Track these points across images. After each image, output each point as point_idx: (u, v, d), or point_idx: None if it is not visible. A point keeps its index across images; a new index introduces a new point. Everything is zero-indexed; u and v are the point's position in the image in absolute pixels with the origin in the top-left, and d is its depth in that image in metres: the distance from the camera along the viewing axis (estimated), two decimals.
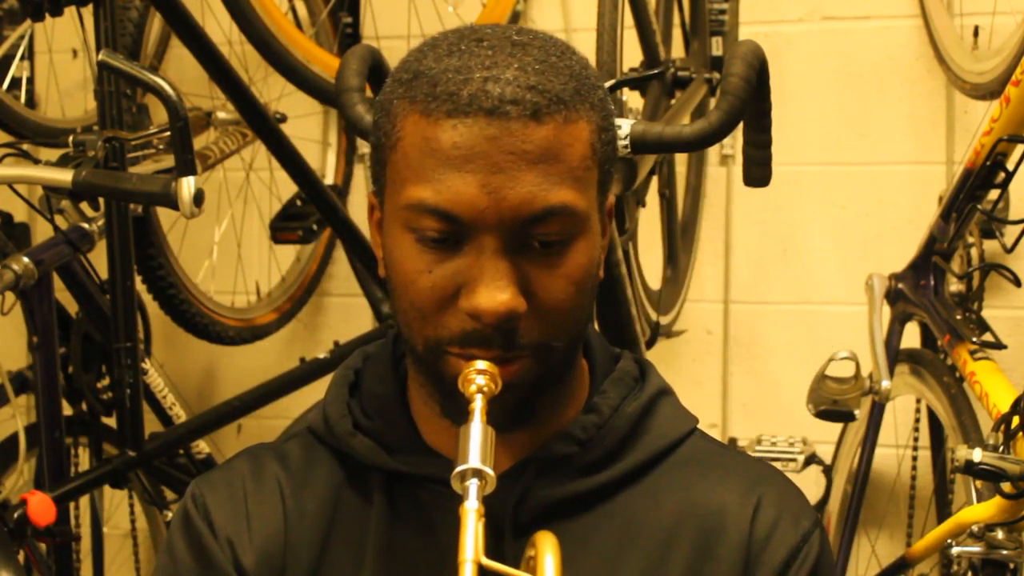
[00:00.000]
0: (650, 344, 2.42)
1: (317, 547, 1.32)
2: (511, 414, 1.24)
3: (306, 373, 2.84)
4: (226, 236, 3.13)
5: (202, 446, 2.71)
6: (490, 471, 1.14)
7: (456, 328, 1.23)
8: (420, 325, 1.24)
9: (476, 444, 1.16)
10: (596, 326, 1.91)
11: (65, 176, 2.07)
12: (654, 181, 2.42)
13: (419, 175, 1.21)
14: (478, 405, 1.20)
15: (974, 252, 2.53)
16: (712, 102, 2.58)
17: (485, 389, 1.21)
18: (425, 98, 1.22)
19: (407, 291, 1.24)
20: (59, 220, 2.31)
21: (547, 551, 1.15)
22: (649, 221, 2.58)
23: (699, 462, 1.34)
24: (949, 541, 2.00)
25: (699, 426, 1.39)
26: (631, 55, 2.28)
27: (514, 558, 1.23)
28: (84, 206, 2.30)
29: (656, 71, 2.38)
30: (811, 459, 2.73)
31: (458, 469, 1.15)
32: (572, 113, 1.22)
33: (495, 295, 1.20)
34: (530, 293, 1.22)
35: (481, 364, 1.22)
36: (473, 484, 1.14)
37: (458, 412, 1.22)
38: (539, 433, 1.31)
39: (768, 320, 3.05)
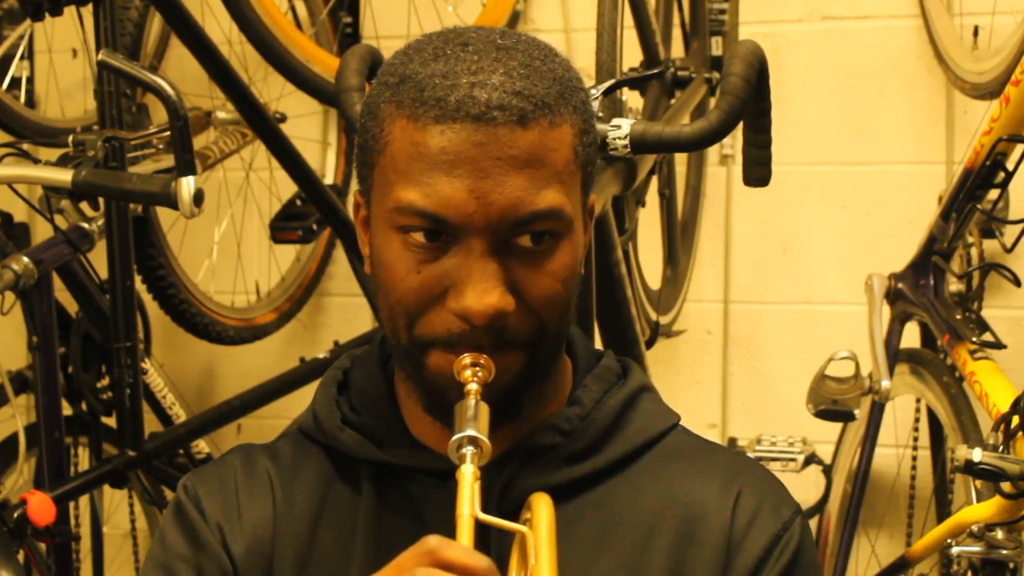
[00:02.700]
0: (650, 344, 2.42)
1: (305, 538, 1.34)
2: (498, 410, 1.25)
3: (306, 373, 2.84)
4: (226, 236, 3.13)
5: (202, 446, 2.71)
6: (485, 439, 1.18)
7: (442, 328, 1.24)
8: (405, 322, 1.26)
9: (471, 415, 1.20)
10: (596, 326, 1.91)
11: (65, 176, 2.08)
12: (654, 181, 2.42)
13: (408, 179, 1.23)
14: (473, 387, 1.22)
15: (974, 252, 2.53)
16: (712, 102, 2.58)
17: (480, 373, 1.23)
18: (412, 103, 1.23)
19: (395, 289, 1.26)
20: (59, 220, 2.31)
21: (542, 508, 1.19)
22: (649, 221, 2.58)
23: (681, 455, 1.36)
24: (949, 541, 2.00)
25: (699, 426, 1.41)
26: (631, 55, 2.28)
27: (499, 547, 1.25)
28: (84, 206, 2.30)
29: (656, 71, 2.39)
30: (811, 459, 2.73)
31: (454, 437, 1.18)
32: (557, 117, 1.24)
33: (483, 297, 1.22)
34: (517, 291, 1.24)
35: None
36: (469, 451, 1.18)
37: (440, 407, 1.26)
38: (522, 427, 1.33)
39: (768, 320, 3.05)
